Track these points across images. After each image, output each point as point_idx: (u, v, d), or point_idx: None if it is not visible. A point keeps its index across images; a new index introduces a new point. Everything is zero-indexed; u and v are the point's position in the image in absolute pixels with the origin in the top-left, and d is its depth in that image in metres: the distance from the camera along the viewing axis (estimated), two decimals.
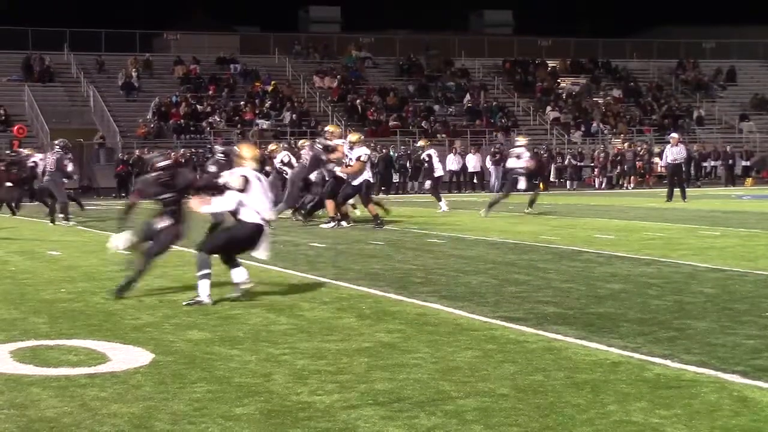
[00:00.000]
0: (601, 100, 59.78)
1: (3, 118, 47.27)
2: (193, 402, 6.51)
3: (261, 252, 10.99)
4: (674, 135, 33.59)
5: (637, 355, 7.75)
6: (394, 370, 7.32)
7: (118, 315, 9.95)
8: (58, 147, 24.55)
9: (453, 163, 46.65)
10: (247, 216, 10.83)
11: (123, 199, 41.33)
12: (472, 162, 47.25)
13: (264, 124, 50.11)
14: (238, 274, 10.79)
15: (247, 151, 11.33)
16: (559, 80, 61.52)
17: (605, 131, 56.20)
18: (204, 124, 49.65)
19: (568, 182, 48.77)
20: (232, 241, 11.04)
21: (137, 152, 44.13)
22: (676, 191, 31.28)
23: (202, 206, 11.19)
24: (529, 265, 13.95)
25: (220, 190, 11.04)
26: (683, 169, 33.35)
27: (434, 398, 6.55)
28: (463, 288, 11.71)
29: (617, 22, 69.80)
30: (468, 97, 56.81)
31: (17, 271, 13.99)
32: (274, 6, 62.77)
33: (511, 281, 12.26)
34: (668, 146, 32.76)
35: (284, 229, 20.75)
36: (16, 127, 44.78)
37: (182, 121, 49.33)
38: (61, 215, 23.77)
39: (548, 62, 62.77)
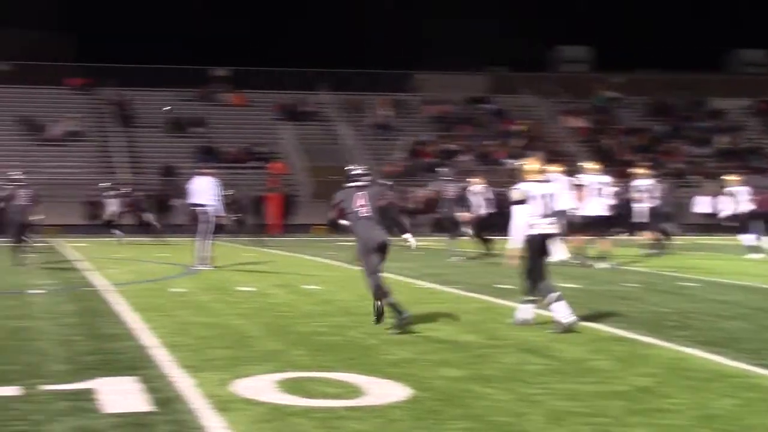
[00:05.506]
0: None
1: (263, 155, 49.14)
2: None
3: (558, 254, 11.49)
4: None
5: None
6: (653, 416, 7.23)
7: (374, 350, 10.20)
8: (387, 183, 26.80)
9: (705, 205, 45.53)
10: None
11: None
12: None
13: (514, 163, 50.21)
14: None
15: (530, 164, 11.87)
16: None
17: None
18: (454, 162, 50.17)
19: None
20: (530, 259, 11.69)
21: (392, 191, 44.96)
22: None
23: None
24: None
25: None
26: None
27: None
28: (720, 333, 11.44)
29: None
30: (721, 138, 55.37)
31: (276, 303, 14.52)
32: (524, 46, 62.78)
33: None
34: None
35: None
36: (275, 164, 46.47)
37: (433, 159, 50.03)
38: None
39: None
